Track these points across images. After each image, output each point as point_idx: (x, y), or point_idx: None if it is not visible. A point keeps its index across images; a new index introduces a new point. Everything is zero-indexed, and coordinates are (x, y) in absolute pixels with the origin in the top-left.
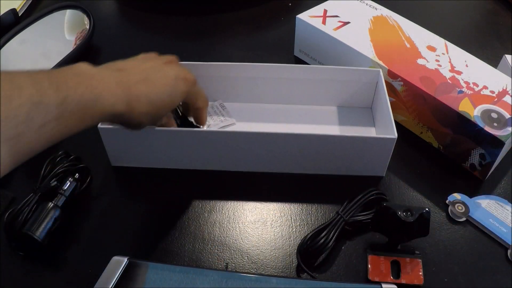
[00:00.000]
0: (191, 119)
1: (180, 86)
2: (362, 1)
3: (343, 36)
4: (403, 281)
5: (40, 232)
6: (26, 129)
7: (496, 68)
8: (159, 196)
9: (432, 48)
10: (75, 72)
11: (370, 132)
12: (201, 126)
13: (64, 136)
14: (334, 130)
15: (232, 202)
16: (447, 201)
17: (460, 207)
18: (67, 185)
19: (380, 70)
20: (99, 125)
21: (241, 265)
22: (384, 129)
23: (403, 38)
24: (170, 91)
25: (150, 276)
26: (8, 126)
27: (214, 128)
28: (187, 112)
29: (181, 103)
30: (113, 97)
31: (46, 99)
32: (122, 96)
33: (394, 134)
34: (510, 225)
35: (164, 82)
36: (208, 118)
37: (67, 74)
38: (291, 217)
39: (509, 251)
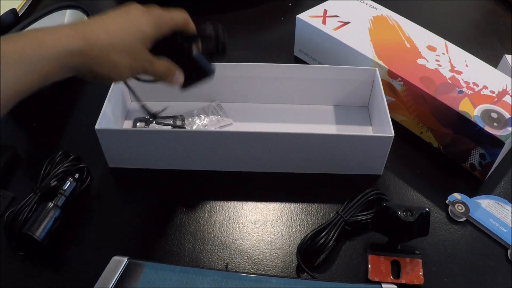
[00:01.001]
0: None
1: (143, 14)
2: (362, 1)
3: (343, 36)
4: (403, 281)
5: (40, 232)
6: None
7: (496, 68)
8: (159, 196)
9: (432, 48)
10: (21, 33)
11: (367, 130)
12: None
13: (28, 89)
14: (331, 129)
15: (232, 202)
16: (447, 201)
17: (460, 207)
18: (67, 185)
19: (376, 69)
20: (96, 127)
21: (241, 265)
22: (381, 127)
23: (403, 38)
24: (131, 19)
25: (150, 276)
26: None
27: (212, 128)
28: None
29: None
30: (64, 36)
31: None
32: (74, 34)
33: (391, 133)
34: (510, 225)
35: (118, 13)
36: (206, 119)
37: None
38: (291, 217)
39: (509, 251)
